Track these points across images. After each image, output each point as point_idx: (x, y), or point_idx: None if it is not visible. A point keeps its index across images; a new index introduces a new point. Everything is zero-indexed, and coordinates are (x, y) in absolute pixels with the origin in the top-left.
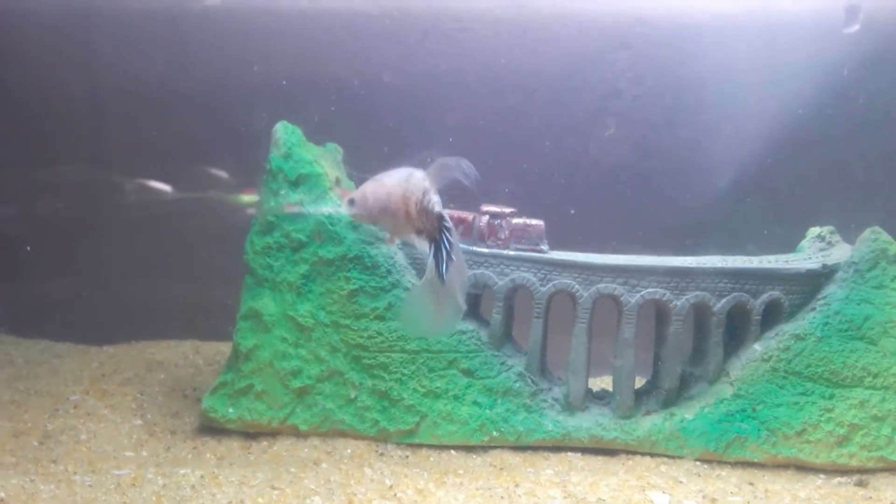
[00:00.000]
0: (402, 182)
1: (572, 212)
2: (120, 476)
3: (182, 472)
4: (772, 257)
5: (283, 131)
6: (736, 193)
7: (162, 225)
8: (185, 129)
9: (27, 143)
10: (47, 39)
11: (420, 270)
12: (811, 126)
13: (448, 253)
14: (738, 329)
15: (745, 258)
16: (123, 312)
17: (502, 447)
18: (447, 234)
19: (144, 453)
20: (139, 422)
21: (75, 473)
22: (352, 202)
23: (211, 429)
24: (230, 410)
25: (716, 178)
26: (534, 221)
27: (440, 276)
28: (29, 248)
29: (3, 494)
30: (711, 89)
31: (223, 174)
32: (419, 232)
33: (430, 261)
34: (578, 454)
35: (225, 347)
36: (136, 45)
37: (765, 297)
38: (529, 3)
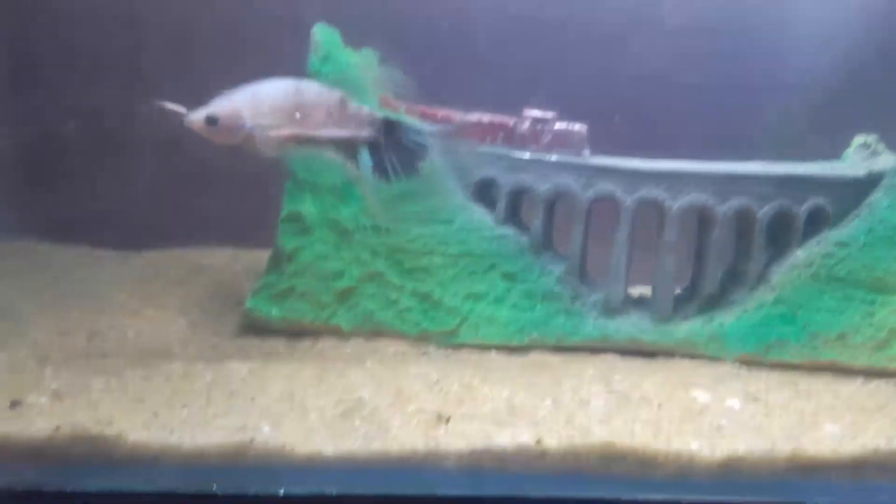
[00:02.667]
0: (293, 90)
1: (616, 118)
2: (170, 370)
3: (230, 366)
4: (817, 165)
5: (321, 33)
6: (781, 101)
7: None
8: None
9: (64, 67)
10: None
11: (461, 177)
12: (857, 34)
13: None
14: (780, 235)
15: (790, 165)
16: (162, 220)
17: (542, 349)
18: (406, 132)
19: (191, 350)
20: (184, 321)
21: (126, 367)
22: (212, 120)
23: (255, 328)
24: (274, 310)
25: (760, 87)
26: (576, 126)
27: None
28: (62, 163)
29: (55, 386)
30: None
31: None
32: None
33: (364, 162)
34: (617, 356)
35: (263, 255)
36: None
37: (809, 203)
38: None
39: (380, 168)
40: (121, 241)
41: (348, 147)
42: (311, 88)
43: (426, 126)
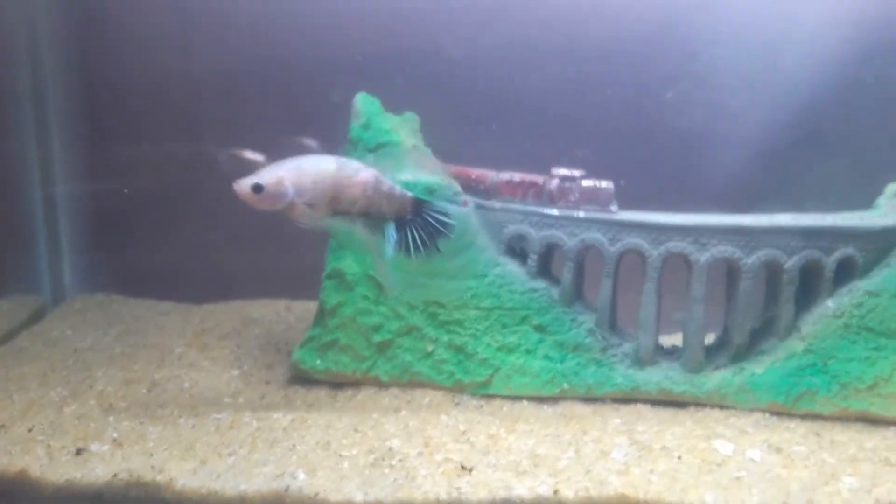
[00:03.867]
0: (334, 168)
1: (642, 174)
2: (219, 419)
3: (274, 416)
4: (847, 214)
5: (363, 102)
6: (812, 152)
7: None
8: (274, 105)
9: (134, 122)
10: (150, 25)
11: (493, 233)
12: (889, 82)
13: (420, 234)
14: (810, 285)
15: (819, 216)
16: (221, 274)
17: (573, 399)
18: (433, 212)
19: (241, 400)
20: (236, 372)
21: (180, 417)
22: (258, 188)
23: (301, 379)
24: (318, 362)
25: (791, 138)
26: (604, 184)
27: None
28: (134, 217)
29: (116, 435)
30: (784, 52)
31: (312, 143)
32: (367, 214)
33: (390, 236)
34: (648, 406)
35: (314, 305)
36: (229, 28)
37: (838, 254)
38: None
39: (403, 243)
40: (184, 294)
41: (378, 220)
42: (350, 166)
43: (452, 207)
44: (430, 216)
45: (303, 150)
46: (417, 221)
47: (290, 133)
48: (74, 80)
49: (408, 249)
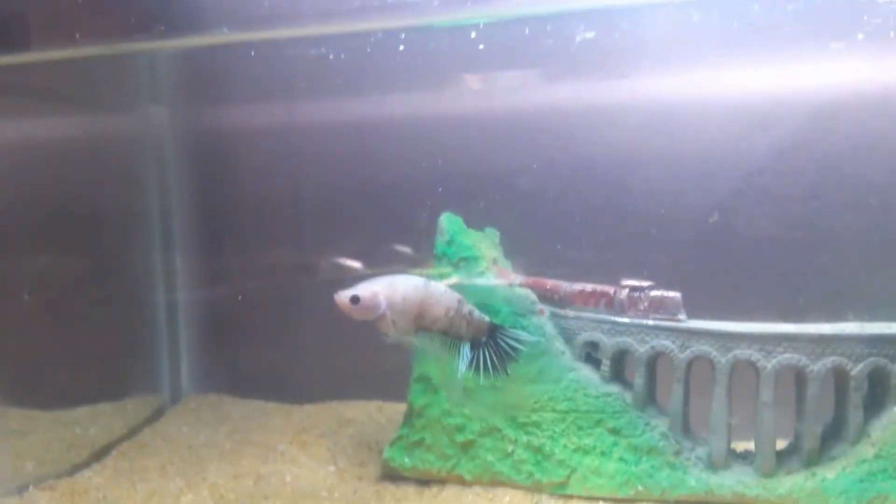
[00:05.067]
0: (422, 288)
1: (714, 282)
2: None
3: None
4: None
5: (447, 221)
6: (880, 262)
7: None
8: (369, 220)
9: (246, 237)
10: (261, 153)
11: (567, 340)
12: None
13: (492, 356)
14: (877, 391)
15: (884, 324)
16: (320, 376)
17: (647, 501)
18: (506, 337)
19: (336, 494)
20: (332, 468)
21: None
22: (356, 300)
23: (391, 476)
24: (406, 460)
25: (859, 249)
26: (671, 293)
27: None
28: (244, 323)
29: None
30: (852, 163)
31: (406, 249)
32: (446, 333)
33: (464, 355)
34: None
35: (403, 407)
36: (330, 155)
37: None
38: (670, 94)
39: (475, 364)
40: (286, 395)
41: (455, 339)
42: (436, 288)
43: (524, 335)
44: (504, 341)
45: (397, 257)
46: (491, 345)
47: (386, 243)
48: (195, 200)
49: (478, 369)
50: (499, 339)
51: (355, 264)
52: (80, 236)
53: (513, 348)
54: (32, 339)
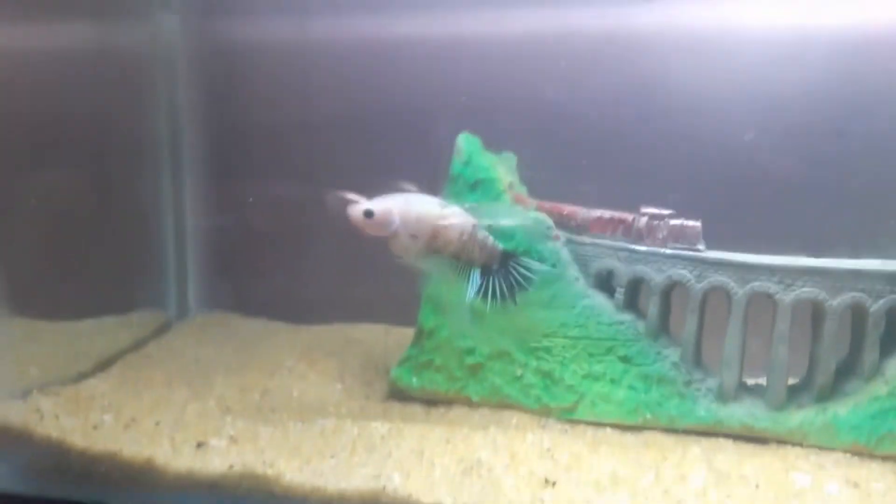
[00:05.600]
0: (437, 209)
1: (732, 217)
2: (324, 425)
3: (373, 425)
4: None
5: (465, 141)
6: None
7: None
8: (383, 143)
9: (255, 163)
10: (272, 78)
11: (583, 267)
12: None
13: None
14: (895, 329)
15: None
16: (327, 300)
17: (655, 429)
18: (518, 265)
19: (343, 410)
20: (339, 386)
21: (289, 420)
22: (369, 213)
23: (397, 395)
24: (414, 380)
25: (881, 187)
26: (691, 222)
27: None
28: (251, 246)
29: (232, 433)
30: (880, 101)
31: (412, 187)
32: (458, 258)
33: (474, 281)
34: (729, 441)
35: (410, 332)
36: (342, 81)
37: None
38: (697, 23)
39: (485, 290)
40: (292, 317)
41: (466, 264)
42: (452, 211)
43: (536, 265)
44: (515, 269)
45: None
46: (501, 272)
47: (393, 178)
48: (205, 126)
49: (486, 296)
50: (510, 267)
51: (358, 199)
52: (87, 150)
53: (524, 277)
54: (38, 250)
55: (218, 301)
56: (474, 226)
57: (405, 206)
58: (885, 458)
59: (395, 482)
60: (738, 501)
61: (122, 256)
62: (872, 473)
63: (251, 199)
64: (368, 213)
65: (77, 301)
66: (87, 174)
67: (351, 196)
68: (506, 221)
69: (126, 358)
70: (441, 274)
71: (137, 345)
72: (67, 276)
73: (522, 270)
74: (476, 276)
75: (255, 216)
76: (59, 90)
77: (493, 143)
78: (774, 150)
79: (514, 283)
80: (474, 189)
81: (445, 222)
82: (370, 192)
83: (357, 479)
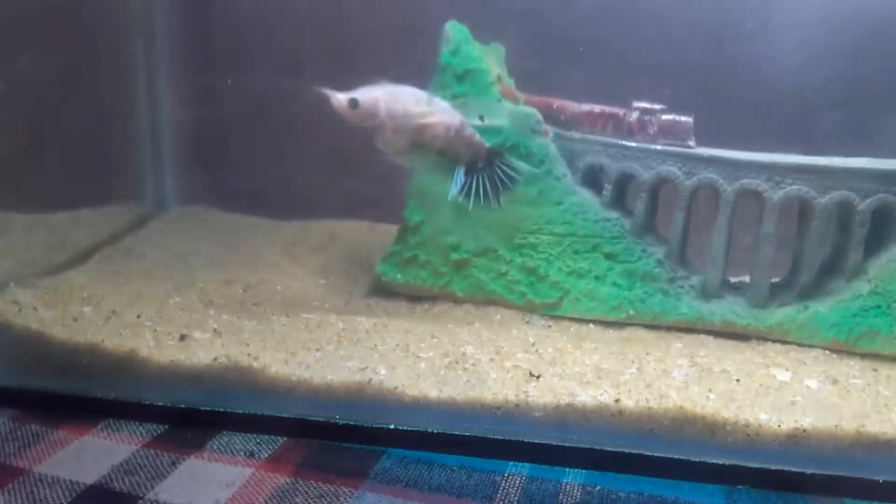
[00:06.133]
0: (425, 102)
1: (723, 113)
2: (308, 319)
3: (358, 319)
4: None
5: (453, 29)
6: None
7: (340, 124)
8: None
9: (235, 54)
10: None
11: (571, 163)
12: None
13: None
14: (880, 229)
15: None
16: (310, 195)
17: (638, 325)
18: (503, 165)
19: (327, 305)
20: (323, 281)
21: (273, 314)
22: (354, 103)
23: (382, 290)
24: (398, 275)
25: (869, 86)
26: (682, 118)
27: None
28: (230, 140)
29: (216, 325)
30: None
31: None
32: (443, 153)
33: (458, 179)
34: (711, 337)
35: (394, 229)
36: None
37: None
38: None
39: (468, 188)
40: (273, 212)
41: (451, 161)
42: (440, 105)
43: (522, 165)
44: (500, 168)
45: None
46: (486, 171)
47: (376, 71)
48: (184, 13)
49: (468, 195)
50: (495, 166)
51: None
52: (59, 36)
53: (508, 177)
54: (8, 140)
55: (197, 195)
56: (461, 122)
57: (391, 98)
58: (863, 356)
59: (381, 374)
60: (719, 396)
61: (97, 147)
62: (851, 370)
63: (229, 81)
64: (353, 103)
65: (50, 193)
66: (59, 61)
67: (332, 92)
68: (494, 119)
69: (104, 251)
70: (425, 169)
71: (115, 238)
72: (40, 168)
73: (507, 170)
74: (460, 174)
75: (236, 108)
76: None
77: (482, 33)
78: (770, 45)
79: (498, 182)
80: (462, 80)
81: (432, 118)
82: (353, 86)
83: (343, 372)
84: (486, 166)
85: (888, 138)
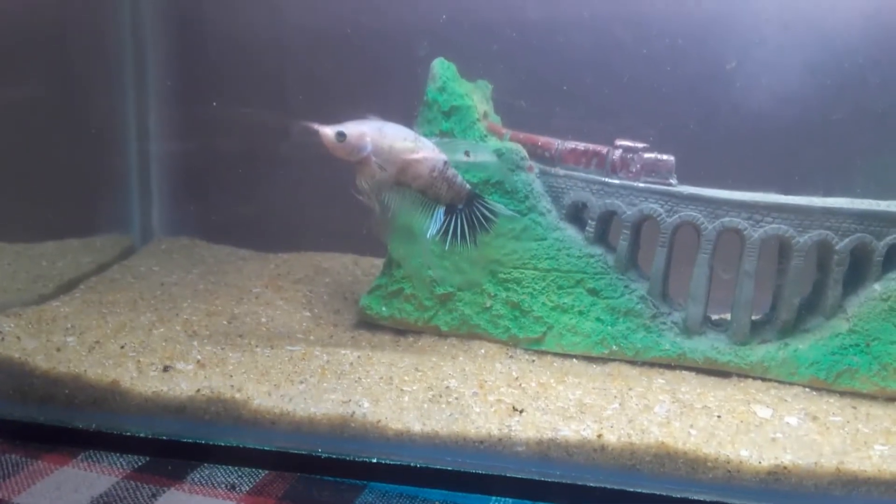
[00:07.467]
0: (411, 140)
1: (705, 154)
2: (292, 351)
3: (342, 352)
4: None
5: (440, 67)
6: (875, 141)
7: (328, 158)
8: (355, 71)
9: (223, 86)
10: None
11: (555, 199)
12: None
13: (462, 223)
14: (858, 268)
15: (873, 202)
16: (296, 228)
17: (621, 361)
18: (482, 207)
19: (312, 337)
20: (308, 313)
21: (256, 346)
22: (341, 136)
23: (366, 324)
24: (383, 309)
25: (855, 127)
26: (664, 156)
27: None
28: (218, 172)
29: (199, 357)
30: (854, 39)
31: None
32: (424, 193)
33: (437, 218)
34: (692, 373)
35: (379, 262)
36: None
37: (889, 238)
38: None
39: (446, 228)
40: (260, 244)
41: (432, 201)
42: (425, 145)
43: (501, 207)
44: (479, 210)
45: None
46: (466, 212)
47: (362, 107)
48: (172, 45)
49: (446, 235)
50: (475, 208)
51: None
52: (47, 66)
53: (486, 219)
54: None
55: (183, 227)
56: (445, 163)
57: (378, 134)
58: (842, 393)
59: (365, 408)
60: (701, 432)
61: (84, 178)
62: (831, 407)
63: (214, 104)
64: (341, 136)
65: (36, 223)
66: (48, 91)
67: (320, 125)
68: (479, 156)
69: (89, 281)
70: (406, 208)
71: (100, 268)
72: (26, 198)
73: (486, 213)
74: (440, 214)
75: (224, 141)
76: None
77: (469, 71)
78: (750, 86)
79: (476, 223)
80: (449, 116)
81: (417, 156)
82: (339, 120)
83: (326, 405)
84: (465, 207)
85: (866, 178)
